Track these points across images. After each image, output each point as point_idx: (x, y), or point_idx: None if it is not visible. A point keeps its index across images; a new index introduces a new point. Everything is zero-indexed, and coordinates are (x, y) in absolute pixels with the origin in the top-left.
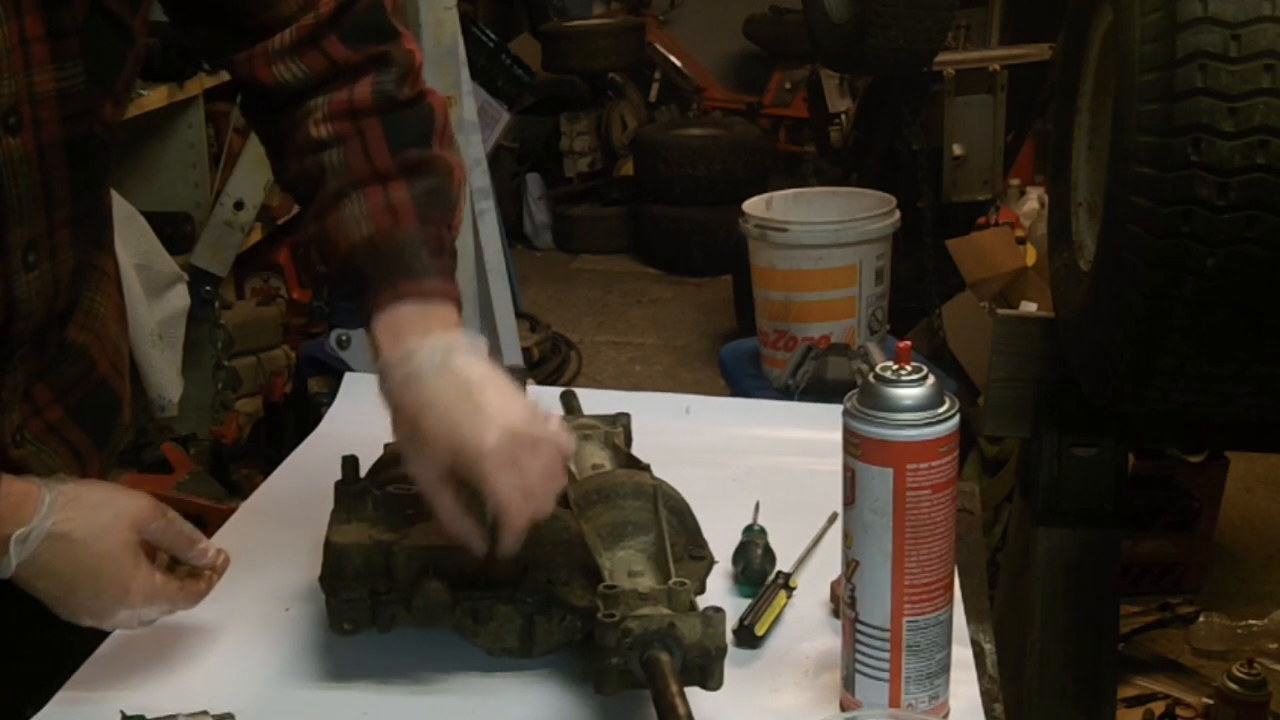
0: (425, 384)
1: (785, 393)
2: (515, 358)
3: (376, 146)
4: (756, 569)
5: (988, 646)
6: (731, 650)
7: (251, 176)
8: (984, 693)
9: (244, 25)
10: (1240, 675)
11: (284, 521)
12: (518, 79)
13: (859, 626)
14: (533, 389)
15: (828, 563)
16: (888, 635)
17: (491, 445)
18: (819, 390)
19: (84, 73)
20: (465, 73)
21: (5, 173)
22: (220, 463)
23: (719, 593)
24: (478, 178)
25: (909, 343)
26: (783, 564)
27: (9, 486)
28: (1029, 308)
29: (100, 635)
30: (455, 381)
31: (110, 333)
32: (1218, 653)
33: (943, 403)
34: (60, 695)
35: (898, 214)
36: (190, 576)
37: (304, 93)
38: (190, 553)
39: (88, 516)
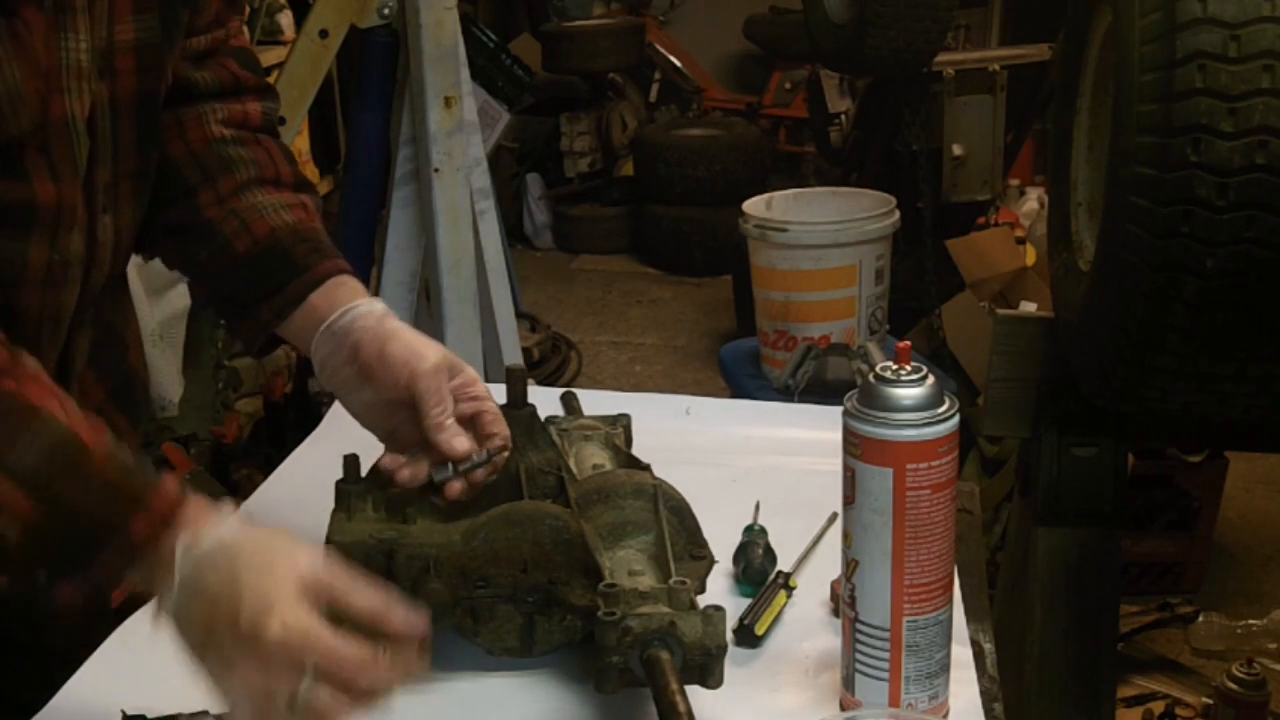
0: (395, 321)
1: (785, 393)
2: (515, 358)
3: (278, 159)
4: (757, 569)
5: (987, 646)
6: (731, 649)
7: None
8: (984, 693)
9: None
10: (1240, 675)
11: (284, 521)
12: (518, 79)
13: (859, 626)
14: (533, 389)
15: (828, 563)
16: (888, 635)
17: (432, 364)
18: (819, 390)
19: (158, 26)
20: (465, 73)
21: (97, 113)
22: (221, 463)
23: (719, 592)
24: (478, 178)
25: (909, 343)
26: (783, 564)
27: (196, 499)
28: (1029, 308)
29: (100, 635)
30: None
31: (133, 327)
32: (1217, 652)
33: (943, 403)
34: (60, 695)
35: (897, 214)
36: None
37: (200, 96)
38: (376, 619)
39: (261, 536)
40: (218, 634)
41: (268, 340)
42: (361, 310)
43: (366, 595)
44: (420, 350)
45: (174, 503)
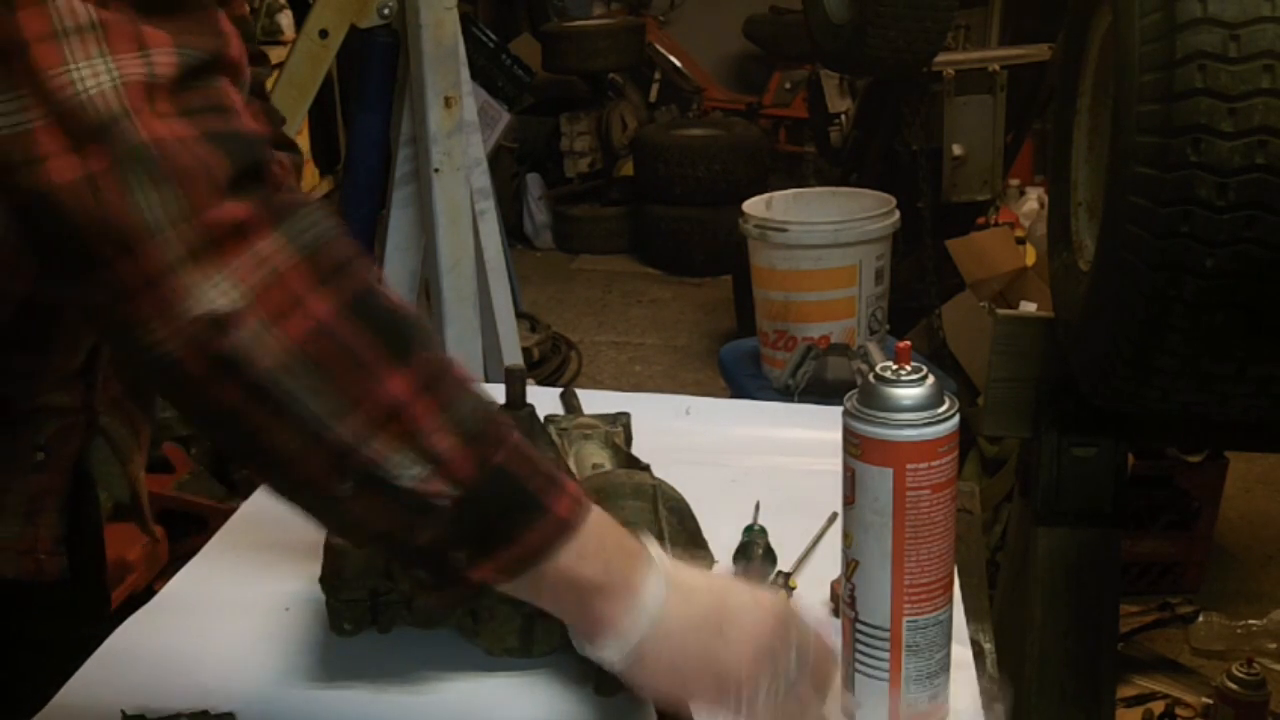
0: None
1: (785, 393)
2: (515, 358)
3: (259, 117)
4: (757, 569)
5: (987, 646)
6: None
7: None
8: (984, 693)
9: None
10: (1239, 675)
11: (284, 521)
12: (518, 79)
13: (859, 626)
14: (533, 389)
15: (828, 563)
16: (888, 635)
17: None
18: (819, 390)
19: None
20: (465, 73)
21: None
22: (221, 462)
23: None
24: (478, 178)
25: (909, 343)
26: (783, 564)
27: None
28: (1029, 308)
29: (100, 634)
30: None
31: None
32: (1217, 652)
33: (943, 403)
34: (61, 695)
35: (897, 214)
36: None
37: None
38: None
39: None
40: (733, 617)
41: None
42: None
43: None
44: None
45: (578, 489)
